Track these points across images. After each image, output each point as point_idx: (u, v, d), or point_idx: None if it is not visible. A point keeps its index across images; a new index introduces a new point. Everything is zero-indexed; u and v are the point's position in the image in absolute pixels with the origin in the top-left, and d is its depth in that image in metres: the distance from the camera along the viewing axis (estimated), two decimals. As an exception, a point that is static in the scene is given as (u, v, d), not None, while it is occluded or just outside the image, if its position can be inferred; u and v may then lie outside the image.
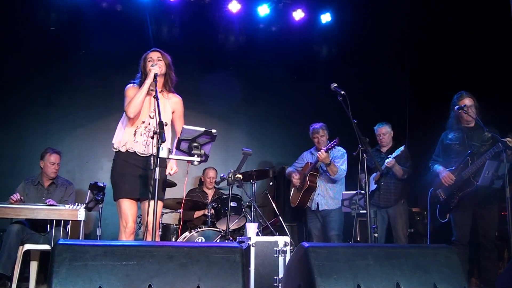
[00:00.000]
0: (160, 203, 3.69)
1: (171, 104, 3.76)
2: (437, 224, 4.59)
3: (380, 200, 5.22)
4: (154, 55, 3.70)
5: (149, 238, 3.38)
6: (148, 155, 3.55)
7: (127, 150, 3.58)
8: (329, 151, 5.12)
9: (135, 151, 3.56)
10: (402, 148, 4.95)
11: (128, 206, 3.56)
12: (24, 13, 6.02)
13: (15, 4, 5.96)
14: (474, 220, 4.35)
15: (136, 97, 3.52)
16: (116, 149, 3.64)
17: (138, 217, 4.70)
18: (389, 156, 5.01)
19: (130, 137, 3.58)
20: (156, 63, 3.60)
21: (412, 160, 5.27)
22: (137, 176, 3.54)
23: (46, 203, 4.49)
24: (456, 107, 4.38)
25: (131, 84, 3.72)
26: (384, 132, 5.34)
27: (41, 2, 6.08)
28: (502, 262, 4.91)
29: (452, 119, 4.55)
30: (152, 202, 3.08)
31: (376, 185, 5.20)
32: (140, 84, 3.65)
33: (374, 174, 5.22)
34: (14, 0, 5.97)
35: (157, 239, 3.67)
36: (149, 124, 3.60)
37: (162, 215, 5.07)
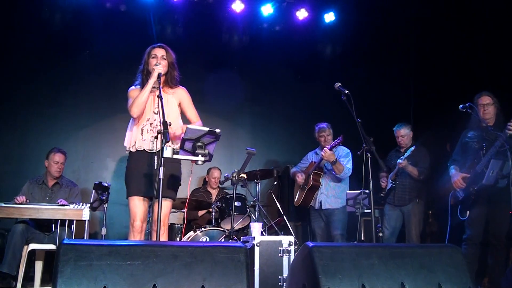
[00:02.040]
0: (169, 202, 3.69)
1: (176, 96, 3.77)
2: (451, 223, 4.58)
3: (395, 199, 5.24)
4: (159, 52, 3.69)
5: (154, 237, 3.38)
6: (156, 151, 3.53)
7: (136, 150, 3.62)
8: (333, 149, 5.11)
9: (144, 149, 3.60)
10: (412, 148, 4.96)
11: (136, 204, 3.58)
12: (29, 14, 6.04)
13: (19, 4, 5.98)
14: (486, 219, 4.35)
15: (139, 96, 3.54)
16: (128, 151, 3.70)
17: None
18: (401, 157, 5.03)
19: (138, 136, 3.62)
20: (160, 62, 3.61)
21: (430, 160, 5.24)
22: (148, 174, 3.56)
23: (57, 203, 4.51)
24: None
25: (133, 87, 3.76)
26: (403, 134, 5.33)
27: (46, 3, 6.11)
28: (506, 261, 4.89)
29: (473, 118, 4.54)
30: (157, 201, 3.08)
31: (392, 183, 5.21)
32: (142, 84, 3.67)
33: (392, 173, 5.23)
34: (19, 1, 6.00)
35: (165, 237, 3.67)
36: (154, 120, 3.63)
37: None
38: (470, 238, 4.35)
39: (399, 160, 5.04)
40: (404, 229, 5.28)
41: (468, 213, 4.40)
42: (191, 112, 3.82)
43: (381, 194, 5.26)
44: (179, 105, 3.79)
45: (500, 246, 4.27)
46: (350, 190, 5.35)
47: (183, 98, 3.80)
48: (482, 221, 4.35)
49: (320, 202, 5.33)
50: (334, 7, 6.87)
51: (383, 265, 2.25)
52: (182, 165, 3.84)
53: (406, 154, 4.99)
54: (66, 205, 4.42)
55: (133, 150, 3.63)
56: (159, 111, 3.32)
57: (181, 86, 3.84)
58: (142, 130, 3.62)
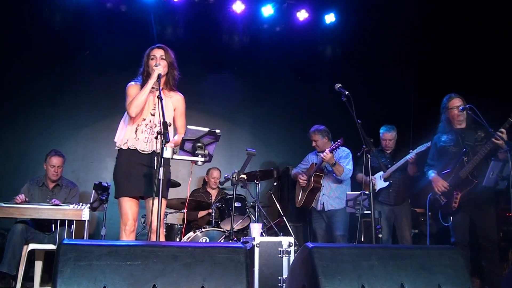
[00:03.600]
0: (163, 201, 3.66)
1: (173, 102, 3.73)
2: (439, 227, 4.57)
3: (390, 197, 5.23)
4: (157, 53, 3.64)
5: (153, 237, 3.37)
6: (150, 152, 3.52)
7: (128, 148, 3.57)
8: (333, 152, 5.11)
9: (136, 149, 3.55)
10: (428, 144, 4.81)
11: (129, 205, 3.55)
12: (29, 14, 6.05)
13: (20, 5, 5.99)
14: (471, 221, 4.33)
15: (138, 96, 3.50)
16: (118, 147, 3.64)
17: (143, 217, 4.71)
18: (411, 150, 4.95)
19: (131, 135, 3.57)
20: (159, 63, 3.58)
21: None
22: (140, 174, 3.53)
23: (51, 203, 4.51)
24: (461, 107, 4.35)
25: (133, 82, 3.69)
26: (390, 138, 5.33)
27: (46, 3, 6.11)
28: (506, 263, 4.89)
29: (443, 122, 4.53)
30: (156, 202, 3.07)
31: (386, 182, 5.19)
32: (142, 83, 3.64)
33: (382, 172, 5.22)
34: (19, 1, 6.00)
35: (162, 237, 3.65)
36: (150, 121, 3.58)
37: (166, 214, 5.09)
38: (458, 242, 4.31)
39: (411, 155, 4.94)
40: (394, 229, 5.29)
41: (451, 218, 4.37)
42: (180, 122, 3.75)
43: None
44: (174, 110, 3.75)
45: (493, 248, 4.24)
46: (351, 190, 5.34)
47: (179, 105, 3.76)
48: (466, 224, 4.33)
49: (323, 204, 5.32)
50: (334, 8, 6.87)
51: (382, 266, 2.25)
52: (183, 166, 3.84)
53: (419, 149, 4.87)
54: (60, 205, 4.41)
55: (124, 147, 3.58)
56: (159, 112, 3.29)
57: (180, 93, 3.79)
58: (136, 129, 3.57)
